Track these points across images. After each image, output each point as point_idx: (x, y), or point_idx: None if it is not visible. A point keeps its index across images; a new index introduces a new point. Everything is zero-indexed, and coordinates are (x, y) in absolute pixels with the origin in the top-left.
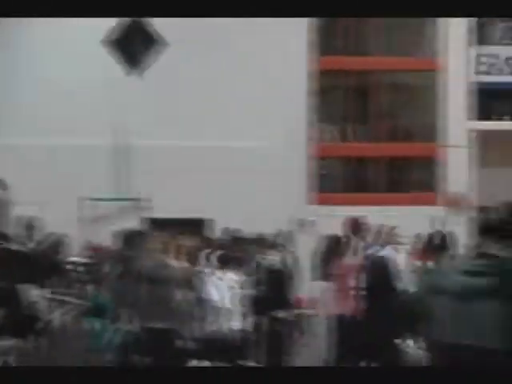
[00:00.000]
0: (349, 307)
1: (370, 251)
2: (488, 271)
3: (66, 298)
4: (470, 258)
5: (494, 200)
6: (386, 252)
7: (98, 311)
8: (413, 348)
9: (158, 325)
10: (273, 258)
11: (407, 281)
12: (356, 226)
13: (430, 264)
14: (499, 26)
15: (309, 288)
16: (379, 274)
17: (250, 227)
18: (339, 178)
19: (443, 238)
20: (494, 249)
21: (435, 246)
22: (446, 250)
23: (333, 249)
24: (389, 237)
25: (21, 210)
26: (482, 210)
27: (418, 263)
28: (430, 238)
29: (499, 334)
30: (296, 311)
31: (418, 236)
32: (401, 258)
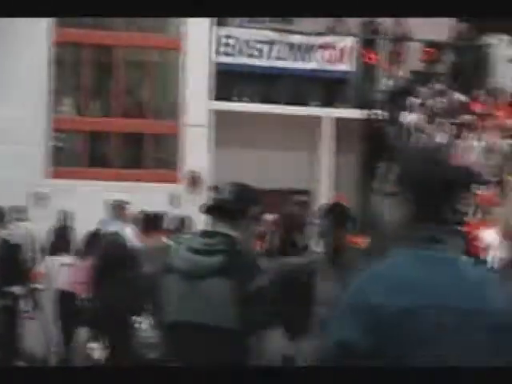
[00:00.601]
0: (82, 283)
1: (104, 227)
2: (216, 250)
3: None
4: (200, 236)
5: (228, 180)
6: (119, 228)
7: None
8: (145, 326)
9: None
10: (7, 232)
11: (139, 258)
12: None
13: (161, 242)
14: None
15: (43, 263)
16: (112, 250)
17: None
18: (77, 152)
19: (171, 216)
20: (223, 228)
21: (167, 225)
22: (178, 228)
23: (66, 225)
24: (121, 212)
25: None
26: (215, 189)
27: (150, 241)
28: (159, 215)
29: (229, 312)
30: (29, 286)
31: (149, 213)
32: (134, 235)
